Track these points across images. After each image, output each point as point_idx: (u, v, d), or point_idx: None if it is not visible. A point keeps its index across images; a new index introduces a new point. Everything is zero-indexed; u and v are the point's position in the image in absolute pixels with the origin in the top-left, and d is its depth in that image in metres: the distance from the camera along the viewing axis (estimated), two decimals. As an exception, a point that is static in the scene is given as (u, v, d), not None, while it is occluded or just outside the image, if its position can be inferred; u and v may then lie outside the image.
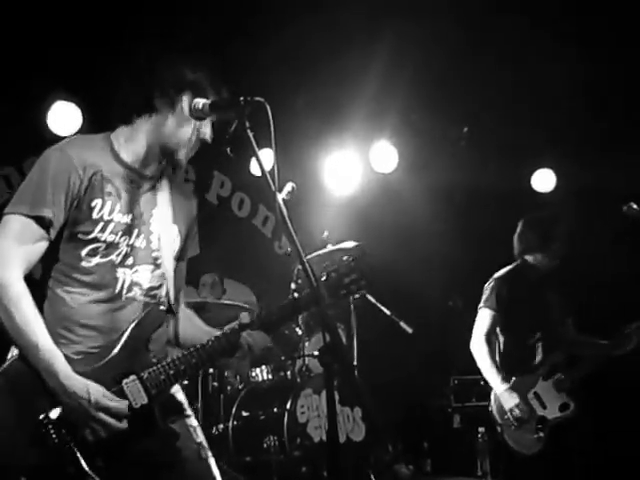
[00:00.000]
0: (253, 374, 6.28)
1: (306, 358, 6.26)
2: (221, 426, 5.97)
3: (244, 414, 6.09)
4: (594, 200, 7.89)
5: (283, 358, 6.32)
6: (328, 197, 7.98)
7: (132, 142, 2.98)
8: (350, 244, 5.87)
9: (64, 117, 6.62)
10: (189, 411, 3.05)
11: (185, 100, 2.94)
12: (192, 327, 3.17)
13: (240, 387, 6.27)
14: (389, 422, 6.75)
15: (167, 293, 3.02)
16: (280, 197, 2.67)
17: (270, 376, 6.26)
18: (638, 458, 7.00)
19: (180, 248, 3.11)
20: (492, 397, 5.38)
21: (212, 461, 2.99)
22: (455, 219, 8.01)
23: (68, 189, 2.82)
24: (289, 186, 5.74)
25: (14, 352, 2.76)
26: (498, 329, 5.51)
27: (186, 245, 3.15)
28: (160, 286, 2.99)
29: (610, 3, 6.31)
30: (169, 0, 6.18)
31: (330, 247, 5.86)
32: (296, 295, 3.01)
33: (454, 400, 7.48)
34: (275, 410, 5.96)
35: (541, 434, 5.19)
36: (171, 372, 2.83)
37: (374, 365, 6.42)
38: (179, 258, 3.12)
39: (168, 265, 3.01)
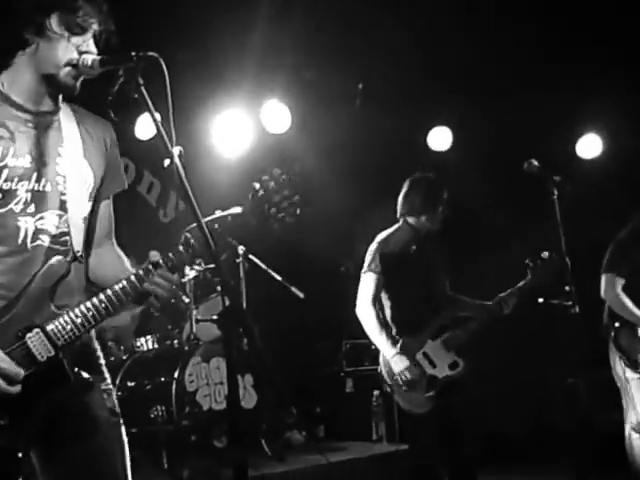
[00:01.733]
0: (138, 344, 6.11)
1: (194, 326, 6.08)
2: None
3: (129, 384, 5.93)
4: (492, 158, 7.87)
5: (170, 327, 6.15)
6: (218, 160, 7.70)
7: (16, 82, 2.79)
8: (239, 209, 5.71)
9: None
10: (106, 374, 2.88)
11: (54, 20, 2.75)
12: (116, 269, 2.94)
13: (124, 357, 6.08)
14: (281, 388, 6.65)
15: (71, 240, 2.80)
16: (167, 162, 2.53)
17: (156, 345, 6.09)
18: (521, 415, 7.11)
19: (99, 185, 2.90)
20: (381, 359, 5.35)
21: (122, 428, 2.86)
22: (349, 181, 7.87)
23: None
24: (175, 150, 5.54)
25: None
26: (383, 292, 5.45)
27: (106, 180, 2.94)
28: (69, 231, 2.79)
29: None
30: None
31: (219, 212, 5.69)
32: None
33: (346, 364, 7.42)
34: (162, 379, 5.82)
35: (432, 393, 5.18)
36: (78, 320, 2.66)
37: (265, 331, 6.31)
38: (100, 197, 2.93)
39: (76, 208, 2.80)
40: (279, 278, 6.27)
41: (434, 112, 8.25)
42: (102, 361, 2.91)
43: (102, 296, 2.70)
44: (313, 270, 7.56)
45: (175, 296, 2.85)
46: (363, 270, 5.43)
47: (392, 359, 5.23)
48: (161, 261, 2.73)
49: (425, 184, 5.51)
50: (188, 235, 2.80)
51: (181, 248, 2.76)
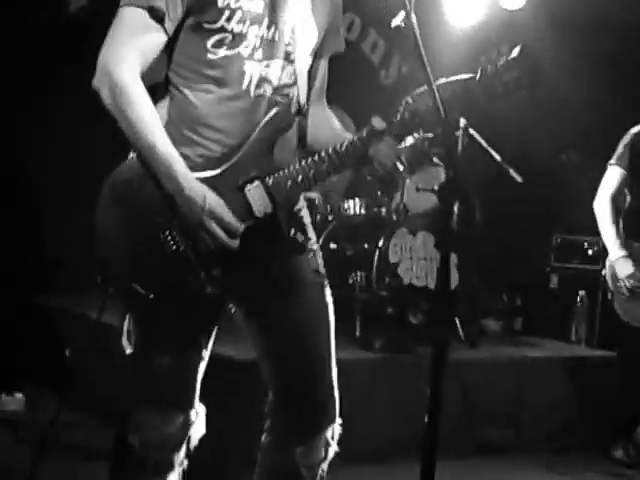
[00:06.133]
0: (345, 206, 5.94)
1: (404, 196, 5.87)
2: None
3: (331, 246, 5.82)
4: None
5: (380, 193, 5.96)
6: (445, 29, 7.28)
7: None
8: (466, 75, 5.41)
9: None
10: (311, 233, 2.79)
11: None
12: (327, 130, 2.83)
13: (330, 218, 5.95)
14: (485, 273, 6.40)
15: (298, 93, 2.69)
16: (395, 21, 2.36)
17: (363, 211, 5.92)
18: None
19: (320, 43, 2.75)
20: (607, 262, 5.08)
21: (327, 289, 2.75)
22: (584, 64, 7.28)
23: None
24: (403, 13, 5.24)
25: (131, 155, 2.53)
26: (626, 190, 5.11)
27: (327, 39, 2.78)
28: (292, 84, 2.66)
29: None
30: None
31: (442, 80, 5.39)
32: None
33: (554, 259, 7.04)
34: (366, 246, 5.68)
35: None
36: (299, 178, 2.54)
37: (473, 214, 6.02)
38: (319, 55, 2.79)
39: (301, 62, 2.67)
40: (498, 158, 5.91)
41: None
42: (307, 220, 2.80)
43: (324, 154, 2.57)
44: (534, 155, 7.12)
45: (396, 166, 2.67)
46: (610, 162, 5.11)
47: (617, 261, 4.96)
48: (385, 128, 2.58)
49: None
50: (410, 100, 2.63)
51: (406, 115, 2.59)
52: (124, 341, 2.66)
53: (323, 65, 2.84)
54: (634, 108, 5.63)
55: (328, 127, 2.85)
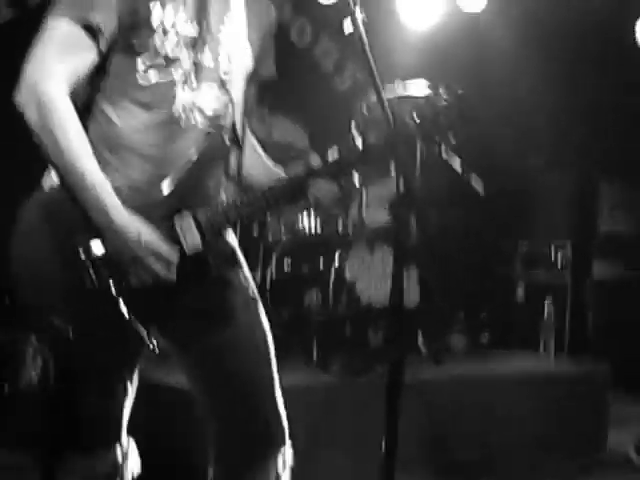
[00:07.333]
0: (299, 222, 5.73)
1: (362, 211, 5.66)
2: (258, 276, 5.45)
3: (286, 265, 5.58)
4: None
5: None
6: (400, 31, 7.11)
7: None
8: (420, 82, 5.24)
9: None
10: (241, 258, 2.67)
11: None
12: (257, 163, 2.76)
13: (283, 236, 5.73)
14: (448, 288, 6.20)
15: (233, 122, 2.58)
16: (346, 28, 2.32)
17: (318, 226, 5.71)
18: None
19: (252, 68, 2.65)
20: None
21: (260, 308, 2.66)
22: (544, 71, 7.14)
23: None
24: (359, 15, 5.07)
25: (52, 180, 2.37)
26: None
27: (259, 64, 2.69)
28: (226, 113, 2.54)
29: None
30: None
31: (397, 82, 5.19)
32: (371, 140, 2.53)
33: (520, 267, 6.86)
34: (321, 264, 5.45)
35: None
36: (231, 215, 2.44)
37: (436, 225, 5.86)
38: (249, 81, 2.67)
39: (237, 89, 2.57)
40: (459, 169, 5.70)
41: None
42: (235, 244, 2.67)
43: (259, 194, 2.45)
44: (496, 162, 6.95)
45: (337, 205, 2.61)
46: None
47: None
48: (321, 167, 2.50)
49: None
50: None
51: (342, 153, 2.53)
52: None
53: (251, 92, 2.74)
54: (596, 110, 5.45)
55: (256, 158, 2.78)
